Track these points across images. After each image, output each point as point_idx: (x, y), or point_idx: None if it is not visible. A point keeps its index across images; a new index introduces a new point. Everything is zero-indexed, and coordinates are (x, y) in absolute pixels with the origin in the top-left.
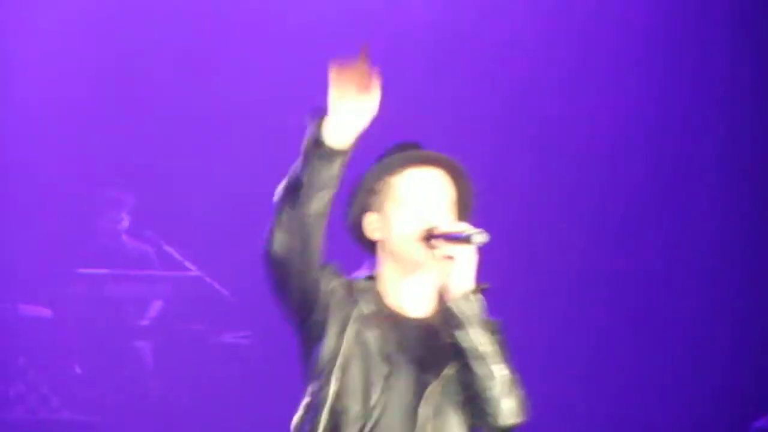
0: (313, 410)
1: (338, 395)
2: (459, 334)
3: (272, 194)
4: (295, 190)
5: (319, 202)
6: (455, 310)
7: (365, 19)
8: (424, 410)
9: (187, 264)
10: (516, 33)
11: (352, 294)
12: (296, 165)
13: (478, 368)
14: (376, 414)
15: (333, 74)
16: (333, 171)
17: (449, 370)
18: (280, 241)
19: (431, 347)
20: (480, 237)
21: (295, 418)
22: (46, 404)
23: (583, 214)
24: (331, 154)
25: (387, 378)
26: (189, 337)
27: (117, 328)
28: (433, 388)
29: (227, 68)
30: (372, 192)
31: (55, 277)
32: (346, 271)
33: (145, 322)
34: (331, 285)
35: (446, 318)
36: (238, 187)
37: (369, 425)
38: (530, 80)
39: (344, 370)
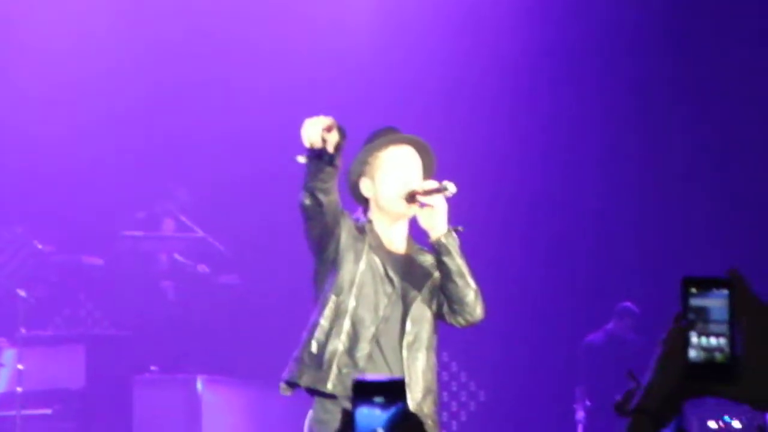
0: (338, 318)
1: (356, 307)
2: (447, 259)
3: (254, 182)
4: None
5: (330, 187)
6: (443, 241)
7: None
8: (411, 317)
9: (197, 229)
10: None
11: (362, 231)
12: (310, 169)
13: (460, 281)
14: (383, 321)
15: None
16: (334, 172)
17: (427, 287)
18: (310, 199)
19: (412, 272)
20: (451, 187)
21: (323, 322)
22: (98, 323)
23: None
24: (332, 169)
25: (390, 295)
26: (197, 278)
27: (150, 272)
28: (417, 300)
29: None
30: (365, 163)
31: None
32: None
33: (168, 268)
34: (347, 223)
35: (435, 248)
36: (236, 179)
37: (379, 328)
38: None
39: (360, 288)
